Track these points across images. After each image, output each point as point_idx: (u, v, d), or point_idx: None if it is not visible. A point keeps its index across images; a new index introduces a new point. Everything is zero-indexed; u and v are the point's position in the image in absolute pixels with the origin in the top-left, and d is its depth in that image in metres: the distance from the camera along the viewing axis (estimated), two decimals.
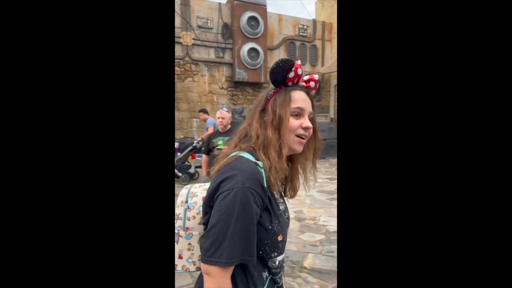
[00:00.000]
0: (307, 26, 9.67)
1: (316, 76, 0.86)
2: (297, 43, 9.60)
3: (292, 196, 0.91)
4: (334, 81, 10.17)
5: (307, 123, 0.79)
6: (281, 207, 0.82)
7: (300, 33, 9.61)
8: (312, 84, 0.84)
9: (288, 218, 0.87)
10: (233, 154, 0.76)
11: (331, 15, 10.06)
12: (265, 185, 0.70)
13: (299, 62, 0.81)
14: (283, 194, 0.89)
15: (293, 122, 0.78)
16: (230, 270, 0.66)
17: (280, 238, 0.73)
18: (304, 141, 0.80)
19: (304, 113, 0.79)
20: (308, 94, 0.83)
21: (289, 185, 0.90)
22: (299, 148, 0.80)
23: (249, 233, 0.65)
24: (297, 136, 0.79)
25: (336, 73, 9.93)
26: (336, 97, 10.19)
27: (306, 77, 0.85)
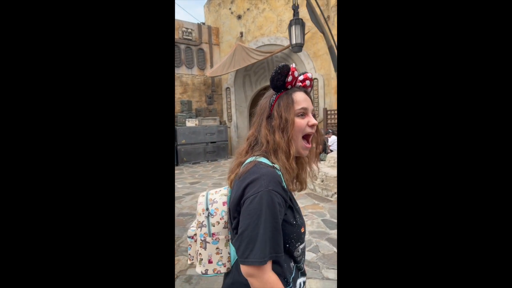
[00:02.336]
0: (191, 29, 9.64)
1: (309, 75, 0.89)
2: (182, 46, 9.49)
3: (300, 189, 0.95)
4: (225, 84, 10.33)
5: (312, 120, 0.85)
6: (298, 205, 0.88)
7: (185, 36, 9.52)
8: (307, 82, 0.88)
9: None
10: (249, 160, 0.81)
11: (217, 20, 10.22)
12: (284, 186, 0.76)
13: (294, 65, 0.86)
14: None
15: (300, 122, 0.83)
16: (268, 266, 0.70)
17: (302, 229, 0.82)
18: (309, 146, 0.87)
19: (308, 112, 0.85)
20: (306, 92, 0.89)
21: (296, 179, 0.93)
22: (305, 153, 0.86)
23: (276, 232, 0.71)
24: (305, 136, 0.85)
25: (226, 75, 10.08)
26: (227, 100, 10.36)
27: (301, 77, 0.88)
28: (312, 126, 0.84)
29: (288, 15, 8.60)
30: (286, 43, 8.58)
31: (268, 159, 0.80)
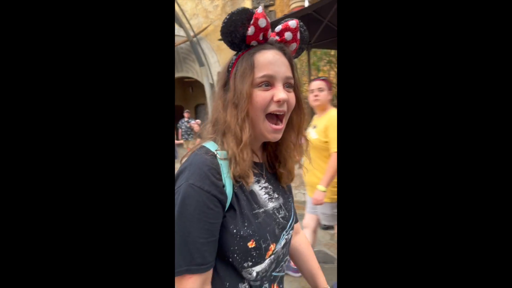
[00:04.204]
0: None
1: (292, 23, 0.62)
2: None
3: (290, 181, 0.74)
4: None
5: (279, 94, 0.59)
6: (270, 205, 0.65)
7: None
8: (288, 35, 0.63)
9: (286, 218, 0.68)
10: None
11: None
12: (226, 179, 0.57)
13: (260, 9, 0.59)
14: (281, 182, 0.72)
15: (260, 96, 0.59)
16: (190, 280, 0.54)
17: (251, 244, 0.58)
18: (280, 127, 0.62)
19: (275, 81, 0.60)
20: (284, 51, 0.62)
21: (282, 166, 0.71)
22: (273, 137, 0.62)
23: (189, 237, 0.54)
24: (270, 115, 0.61)
25: None
26: None
27: (278, 28, 0.63)
28: (278, 102, 0.60)
29: (191, 5, 8.33)
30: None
31: (217, 143, 0.63)
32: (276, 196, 0.68)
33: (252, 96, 0.59)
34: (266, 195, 0.65)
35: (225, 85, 0.64)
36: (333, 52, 5.46)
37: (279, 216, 0.66)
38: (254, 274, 0.60)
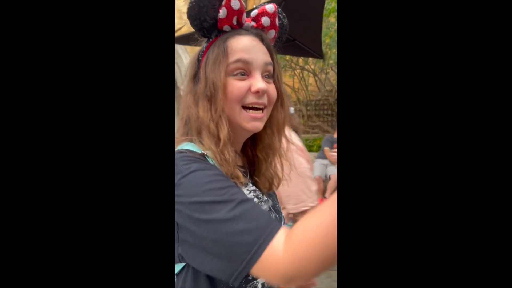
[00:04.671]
0: None
1: (270, 7, 0.55)
2: None
3: (269, 188, 0.62)
4: None
5: (257, 84, 0.51)
6: (263, 206, 0.56)
7: None
8: (265, 21, 0.55)
9: (278, 220, 0.60)
10: (178, 148, 0.52)
11: None
12: None
13: None
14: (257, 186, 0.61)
15: (235, 85, 0.51)
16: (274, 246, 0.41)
17: None
18: (260, 115, 0.53)
19: (253, 69, 0.52)
20: (261, 37, 0.55)
21: (258, 176, 0.62)
22: (252, 127, 0.53)
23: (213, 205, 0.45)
24: (246, 107, 0.52)
25: None
26: None
27: (254, 12, 0.56)
28: (256, 93, 0.52)
29: None
30: None
31: (194, 143, 0.53)
32: (266, 198, 0.60)
33: (226, 85, 0.51)
34: (256, 199, 0.57)
35: (195, 76, 0.56)
36: (288, 57, 5.23)
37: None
38: (260, 286, 0.54)
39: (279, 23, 0.59)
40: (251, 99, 0.52)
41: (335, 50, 4.03)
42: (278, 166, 0.64)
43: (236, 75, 0.52)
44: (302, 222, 0.39)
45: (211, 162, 0.50)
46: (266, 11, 0.56)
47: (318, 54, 3.46)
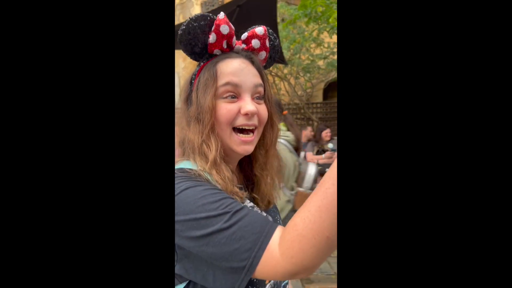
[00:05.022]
0: None
1: (259, 30, 0.57)
2: None
3: (268, 205, 0.63)
4: None
5: (246, 107, 0.52)
6: None
7: None
8: (255, 43, 0.57)
9: None
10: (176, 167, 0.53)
11: None
12: None
13: (221, 15, 0.53)
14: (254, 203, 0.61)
15: (225, 108, 0.52)
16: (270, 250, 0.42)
17: None
18: (250, 138, 0.54)
19: (242, 91, 0.53)
20: (251, 60, 0.56)
21: (256, 193, 0.62)
22: (243, 149, 0.54)
23: (211, 219, 0.44)
24: (237, 130, 0.54)
25: None
26: None
27: (244, 35, 0.58)
28: (246, 115, 0.53)
29: None
30: None
31: (192, 162, 0.55)
32: (265, 214, 0.60)
33: (216, 108, 0.53)
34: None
35: (188, 99, 0.58)
36: None
37: None
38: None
39: (269, 44, 0.60)
40: (241, 121, 0.53)
41: (298, 55, 4.20)
42: (276, 183, 0.64)
43: (226, 97, 0.53)
44: (292, 219, 0.40)
45: (208, 177, 0.50)
46: (256, 34, 0.57)
47: (281, 59, 3.62)
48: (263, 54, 0.59)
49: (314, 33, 4.13)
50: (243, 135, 0.54)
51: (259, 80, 0.56)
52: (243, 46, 0.58)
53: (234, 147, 0.54)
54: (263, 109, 0.56)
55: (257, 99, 0.56)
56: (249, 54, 0.57)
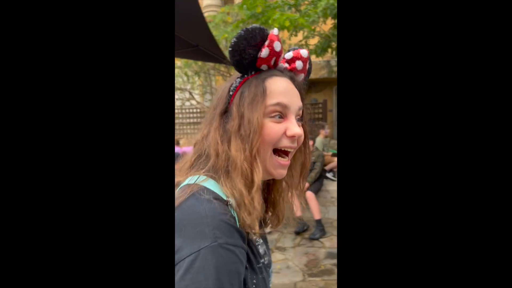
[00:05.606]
0: None
1: (304, 52, 0.57)
2: None
3: (276, 225, 0.64)
4: None
5: (293, 129, 0.51)
6: (260, 251, 0.55)
7: None
8: (299, 64, 0.56)
9: (269, 265, 0.59)
10: (187, 181, 0.50)
11: None
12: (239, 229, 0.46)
13: (275, 31, 0.52)
14: (262, 223, 0.61)
15: (272, 128, 0.51)
16: None
17: None
18: (287, 162, 0.54)
19: (289, 113, 0.52)
20: (294, 81, 0.55)
21: (271, 210, 0.63)
22: (279, 173, 0.54)
23: None
24: (279, 151, 0.53)
25: None
26: None
27: (289, 55, 0.57)
28: (291, 137, 0.52)
29: None
30: None
31: (218, 182, 0.50)
32: (261, 241, 0.58)
33: (263, 127, 0.50)
34: (257, 242, 0.55)
35: (225, 111, 0.54)
36: (200, 62, 5.27)
37: (267, 267, 0.57)
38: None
39: (308, 68, 0.60)
40: (285, 143, 0.52)
41: None
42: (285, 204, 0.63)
43: (273, 117, 0.51)
44: None
45: (233, 212, 0.47)
46: (301, 56, 0.57)
47: (222, 58, 3.61)
48: (301, 77, 0.59)
49: None
50: (281, 159, 0.54)
51: (301, 103, 0.55)
52: (286, 65, 0.57)
53: (271, 169, 0.53)
54: (302, 132, 0.55)
55: (298, 120, 0.55)
56: (292, 74, 0.57)
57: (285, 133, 0.52)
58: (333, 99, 6.76)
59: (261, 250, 0.57)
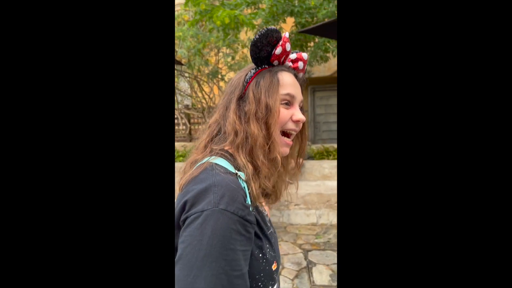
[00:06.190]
0: None
1: (305, 55, 0.68)
2: None
3: (275, 201, 0.73)
4: None
5: (299, 115, 0.63)
6: (268, 223, 0.65)
7: None
8: (300, 64, 0.67)
9: (274, 231, 0.68)
10: (202, 161, 0.58)
11: None
12: (249, 202, 0.52)
13: (287, 34, 0.63)
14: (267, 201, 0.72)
15: (283, 112, 0.61)
16: None
17: (274, 266, 0.58)
18: (291, 142, 0.65)
19: (295, 102, 0.64)
20: (296, 77, 0.67)
21: (272, 190, 0.70)
22: (284, 151, 0.64)
23: (224, 275, 0.45)
24: (285, 132, 0.64)
25: None
26: None
27: (293, 56, 0.67)
28: (296, 122, 0.63)
29: None
30: None
31: (229, 161, 0.58)
32: (268, 218, 0.68)
33: (279, 111, 0.60)
34: (265, 212, 0.67)
35: (241, 97, 0.63)
36: None
37: (273, 232, 0.66)
38: None
39: (306, 68, 0.71)
40: (291, 126, 0.63)
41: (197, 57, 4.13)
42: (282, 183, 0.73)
43: (283, 104, 0.62)
44: None
45: (242, 184, 0.54)
46: (302, 58, 0.68)
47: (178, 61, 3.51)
48: (300, 75, 0.69)
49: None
50: (287, 138, 0.64)
51: (301, 96, 0.66)
52: (290, 64, 0.67)
53: (278, 147, 0.61)
54: (305, 118, 0.66)
55: (300, 109, 0.66)
56: (295, 72, 0.67)
57: (291, 118, 0.62)
58: (308, 100, 6.69)
59: (267, 220, 0.65)
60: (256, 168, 0.58)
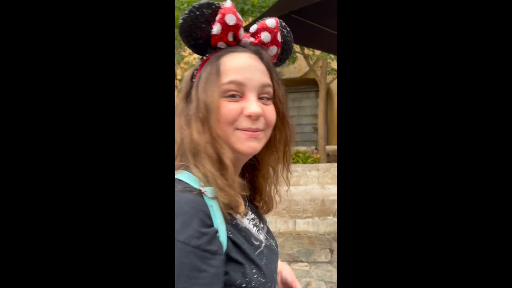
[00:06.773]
0: None
1: (271, 22, 0.52)
2: None
3: (267, 211, 0.62)
4: None
5: (250, 107, 0.47)
6: (261, 236, 0.53)
7: None
8: (265, 36, 0.52)
9: (276, 245, 0.58)
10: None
11: None
12: (220, 224, 0.44)
13: (228, 3, 0.49)
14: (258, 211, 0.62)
15: (226, 107, 0.48)
16: None
17: None
18: (256, 134, 0.49)
19: (247, 91, 0.48)
20: (260, 55, 0.51)
21: (258, 195, 0.61)
22: (248, 146, 0.49)
23: None
24: (240, 129, 0.49)
25: None
26: None
27: (253, 28, 0.53)
28: (249, 117, 0.47)
29: None
30: None
31: (190, 171, 0.48)
32: (262, 225, 0.57)
33: (219, 107, 0.47)
34: (255, 228, 0.54)
35: (188, 95, 0.52)
36: None
37: (269, 246, 0.55)
38: None
39: (281, 39, 0.55)
40: (244, 124, 0.48)
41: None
42: (274, 188, 0.62)
43: (228, 96, 0.48)
44: None
45: (207, 201, 0.45)
46: (267, 26, 0.52)
47: None
48: (273, 49, 0.54)
49: None
50: (250, 131, 0.49)
51: (267, 80, 0.50)
52: (252, 39, 0.53)
53: (237, 145, 0.48)
54: (270, 111, 0.51)
55: (265, 99, 0.50)
56: (258, 48, 0.51)
57: (241, 112, 0.48)
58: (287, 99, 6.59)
59: (262, 234, 0.54)
60: (209, 179, 0.48)
